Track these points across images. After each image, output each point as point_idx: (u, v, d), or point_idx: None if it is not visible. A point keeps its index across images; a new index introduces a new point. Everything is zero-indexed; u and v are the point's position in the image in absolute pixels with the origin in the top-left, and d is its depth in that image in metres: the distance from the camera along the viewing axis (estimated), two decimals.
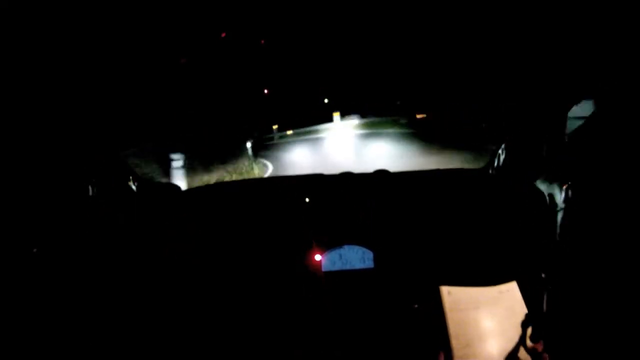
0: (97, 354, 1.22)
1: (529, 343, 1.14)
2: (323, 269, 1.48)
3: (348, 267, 1.48)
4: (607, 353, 1.00)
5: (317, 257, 1.48)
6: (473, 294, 1.33)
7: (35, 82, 1.04)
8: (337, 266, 1.48)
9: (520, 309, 1.27)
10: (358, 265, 1.47)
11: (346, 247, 1.49)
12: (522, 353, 1.15)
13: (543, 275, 1.26)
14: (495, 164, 1.60)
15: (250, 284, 1.48)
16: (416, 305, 1.38)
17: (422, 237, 1.51)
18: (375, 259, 1.48)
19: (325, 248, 1.49)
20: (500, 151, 1.56)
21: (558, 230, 1.25)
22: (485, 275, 1.36)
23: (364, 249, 1.48)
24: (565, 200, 1.20)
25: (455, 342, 1.24)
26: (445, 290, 1.34)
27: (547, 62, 1.22)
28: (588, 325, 1.01)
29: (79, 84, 1.16)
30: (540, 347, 1.11)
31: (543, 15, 1.18)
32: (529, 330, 1.14)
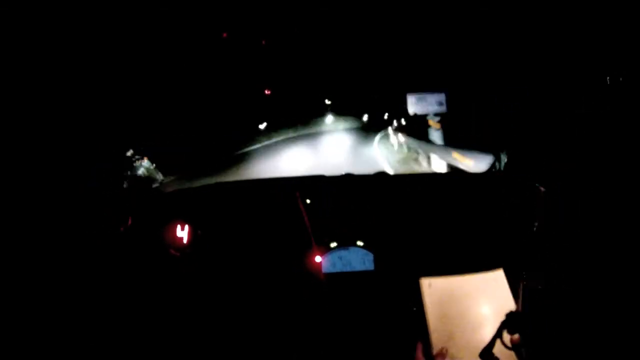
0: (96, 354, 1.21)
1: (505, 337, 1.11)
2: (323, 271, 1.47)
3: (348, 268, 1.48)
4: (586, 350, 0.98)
5: (318, 259, 1.48)
6: (456, 285, 1.28)
7: (37, 83, 1.04)
8: (338, 268, 1.48)
9: (506, 299, 1.23)
10: (358, 267, 1.47)
11: (346, 248, 1.48)
12: (500, 347, 1.11)
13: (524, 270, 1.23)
14: (497, 166, 1.60)
15: (250, 285, 1.48)
16: (415, 308, 1.37)
17: (421, 239, 1.51)
18: (375, 261, 1.47)
19: (325, 249, 1.49)
20: (502, 154, 1.56)
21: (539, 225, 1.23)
22: (471, 264, 1.32)
23: (365, 251, 1.48)
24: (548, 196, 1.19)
25: (435, 336, 1.20)
26: (425, 282, 1.29)
27: (549, 64, 1.22)
28: (567, 322, 0.99)
29: (81, 85, 1.16)
30: (517, 341, 1.08)
31: (544, 18, 1.18)
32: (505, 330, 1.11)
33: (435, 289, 1.28)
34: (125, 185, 1.35)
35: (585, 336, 0.92)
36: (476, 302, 1.25)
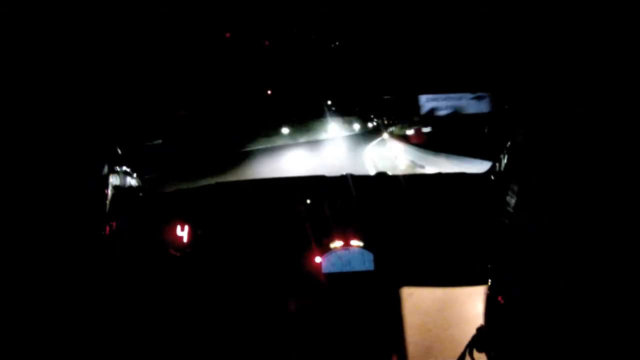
0: (96, 355, 1.22)
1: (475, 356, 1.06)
2: (323, 271, 1.47)
3: (348, 269, 1.48)
4: None
5: (317, 259, 1.48)
6: (439, 296, 1.24)
7: (35, 83, 1.04)
8: (337, 268, 1.48)
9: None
10: (358, 267, 1.47)
11: (346, 249, 1.48)
12: None
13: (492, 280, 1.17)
14: (497, 168, 1.60)
15: (250, 285, 1.48)
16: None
17: (421, 239, 1.51)
18: (375, 261, 1.47)
19: (325, 250, 1.49)
20: (502, 155, 1.55)
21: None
22: (460, 275, 1.26)
23: (364, 251, 1.48)
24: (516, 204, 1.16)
25: (412, 348, 1.16)
26: (407, 292, 1.25)
27: (549, 65, 1.21)
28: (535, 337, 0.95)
29: (79, 85, 1.16)
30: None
31: (544, 17, 1.17)
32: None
33: (417, 300, 1.24)
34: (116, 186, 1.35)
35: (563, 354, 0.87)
36: (459, 316, 1.21)
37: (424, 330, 1.18)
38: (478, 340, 1.03)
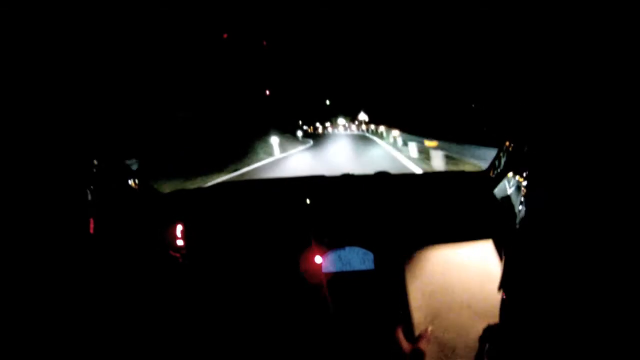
0: (95, 355, 1.21)
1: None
2: (323, 270, 1.47)
3: (348, 268, 1.48)
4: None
5: (318, 259, 1.48)
6: (441, 255, 1.18)
7: (33, 82, 1.04)
8: (338, 267, 1.48)
9: (496, 271, 1.14)
10: (358, 266, 1.47)
11: (347, 248, 1.49)
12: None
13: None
14: (496, 166, 1.60)
15: (250, 285, 1.48)
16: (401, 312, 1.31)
17: (421, 238, 1.51)
18: (375, 261, 1.48)
19: (326, 249, 1.49)
20: (501, 154, 1.56)
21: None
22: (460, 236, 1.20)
23: (364, 251, 1.48)
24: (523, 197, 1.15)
25: (417, 316, 1.11)
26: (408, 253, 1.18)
27: (548, 63, 1.21)
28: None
29: (78, 86, 1.16)
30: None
31: (543, 17, 1.17)
32: (487, 346, 1.04)
33: (419, 261, 1.17)
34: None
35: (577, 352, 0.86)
36: (464, 275, 1.16)
37: (430, 296, 1.11)
38: (491, 339, 1.02)
